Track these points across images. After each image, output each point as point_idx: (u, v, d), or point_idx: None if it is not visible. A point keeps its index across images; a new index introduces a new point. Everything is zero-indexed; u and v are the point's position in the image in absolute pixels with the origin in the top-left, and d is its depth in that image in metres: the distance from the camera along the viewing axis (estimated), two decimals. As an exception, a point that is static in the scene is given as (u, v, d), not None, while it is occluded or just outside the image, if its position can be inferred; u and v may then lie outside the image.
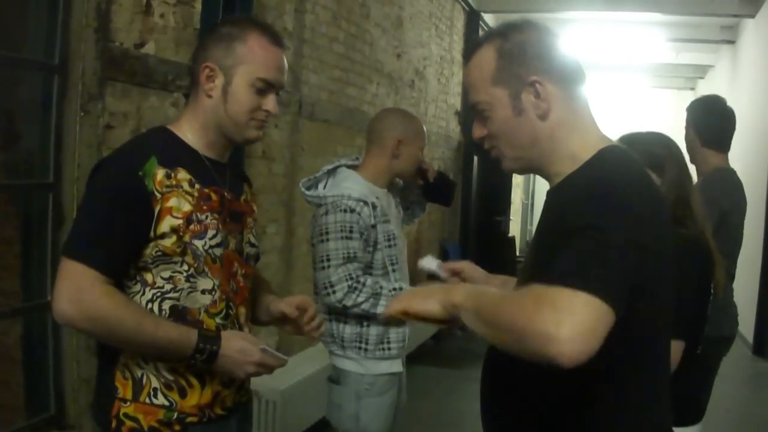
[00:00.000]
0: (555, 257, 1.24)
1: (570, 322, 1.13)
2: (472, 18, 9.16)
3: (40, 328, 2.78)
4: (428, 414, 5.10)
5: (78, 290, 1.54)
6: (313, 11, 4.79)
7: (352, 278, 2.56)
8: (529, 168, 1.52)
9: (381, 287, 2.57)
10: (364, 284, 2.57)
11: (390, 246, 2.67)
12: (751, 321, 7.65)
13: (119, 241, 1.60)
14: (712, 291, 2.37)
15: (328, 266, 2.56)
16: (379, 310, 2.56)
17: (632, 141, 2.27)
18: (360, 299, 2.55)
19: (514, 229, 11.18)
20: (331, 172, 2.76)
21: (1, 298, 2.76)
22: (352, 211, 2.57)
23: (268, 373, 1.73)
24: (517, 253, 10.79)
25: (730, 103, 3.23)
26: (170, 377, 1.67)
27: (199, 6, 3.42)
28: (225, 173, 1.81)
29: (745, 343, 7.92)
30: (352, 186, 2.66)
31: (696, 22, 9.83)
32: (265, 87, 1.74)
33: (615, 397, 1.34)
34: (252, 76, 1.72)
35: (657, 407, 1.42)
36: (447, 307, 1.40)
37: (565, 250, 1.24)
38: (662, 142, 2.39)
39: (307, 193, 2.71)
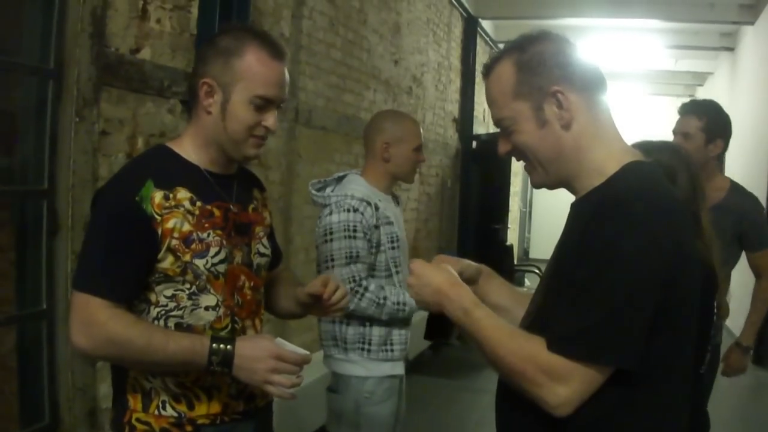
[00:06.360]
0: (570, 280, 1.31)
1: (566, 390, 1.27)
2: (470, 24, 9.15)
3: (34, 337, 2.75)
4: (426, 424, 5.07)
5: (86, 320, 1.58)
6: (311, 17, 4.77)
7: (355, 280, 2.56)
8: (558, 181, 1.50)
9: (385, 297, 2.59)
10: (366, 288, 2.58)
11: (393, 248, 2.68)
12: (751, 329, 7.60)
13: (125, 267, 1.62)
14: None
15: (332, 266, 2.57)
16: (384, 317, 2.60)
17: (642, 150, 2.24)
18: (363, 305, 2.57)
19: (512, 237, 11.14)
20: (340, 179, 2.79)
21: (-5, 305, 2.73)
22: (356, 210, 2.59)
23: (292, 372, 1.62)
24: (515, 262, 10.76)
25: (728, 110, 3.21)
26: (178, 391, 1.69)
27: (195, 11, 3.40)
28: (231, 185, 1.80)
29: (745, 351, 7.88)
30: (355, 188, 2.69)
31: (695, 29, 9.84)
32: (264, 104, 1.72)
33: (634, 402, 1.32)
34: (250, 93, 1.69)
35: (677, 413, 1.40)
36: (455, 315, 1.47)
37: (574, 301, 1.29)
38: (675, 152, 2.36)
39: (315, 193, 2.74)
